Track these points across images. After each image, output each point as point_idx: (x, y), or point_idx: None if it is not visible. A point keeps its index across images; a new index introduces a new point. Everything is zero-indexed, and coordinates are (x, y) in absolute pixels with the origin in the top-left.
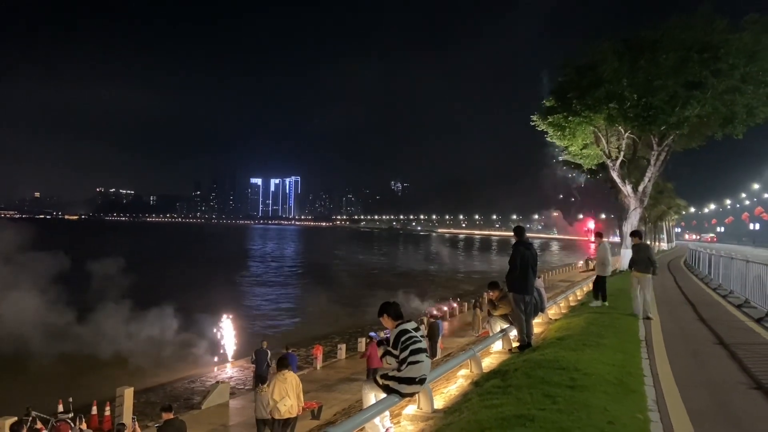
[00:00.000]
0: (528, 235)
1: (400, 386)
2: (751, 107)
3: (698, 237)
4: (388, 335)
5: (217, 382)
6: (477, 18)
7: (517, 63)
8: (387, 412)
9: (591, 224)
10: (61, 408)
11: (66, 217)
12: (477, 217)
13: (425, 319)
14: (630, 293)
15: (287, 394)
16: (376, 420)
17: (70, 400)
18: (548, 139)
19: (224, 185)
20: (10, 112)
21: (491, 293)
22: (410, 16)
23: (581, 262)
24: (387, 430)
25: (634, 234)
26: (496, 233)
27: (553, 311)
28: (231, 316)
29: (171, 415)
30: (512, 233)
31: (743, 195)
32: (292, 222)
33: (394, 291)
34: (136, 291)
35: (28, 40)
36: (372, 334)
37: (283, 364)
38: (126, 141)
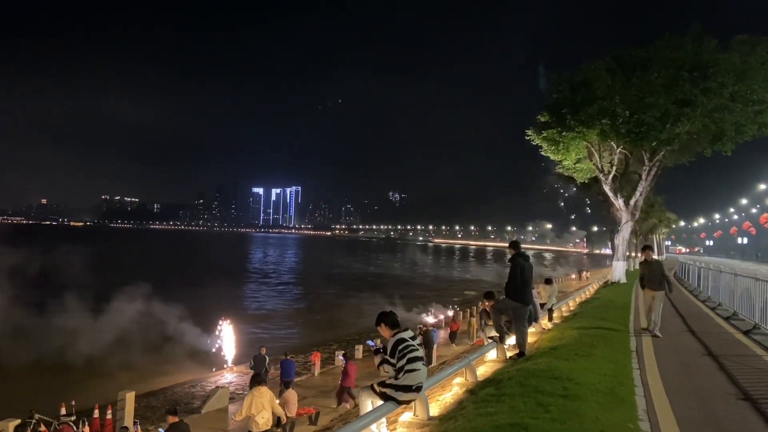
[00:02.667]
0: (522, 246)
1: (397, 394)
2: (739, 125)
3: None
4: (373, 345)
5: (217, 387)
6: (473, 33)
7: (512, 77)
8: (384, 419)
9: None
10: (63, 411)
11: (72, 223)
12: (472, 228)
13: (423, 327)
14: (642, 309)
15: (264, 408)
16: (373, 427)
17: (73, 403)
18: (542, 153)
19: (226, 194)
20: (18, 121)
21: (486, 303)
22: (408, 32)
23: (573, 273)
24: None
25: (646, 249)
26: (491, 244)
27: (546, 321)
28: (230, 322)
29: (176, 419)
30: (508, 246)
31: (731, 210)
32: (293, 231)
33: (391, 299)
34: (137, 296)
35: (35, 48)
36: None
37: (257, 380)
38: (131, 150)
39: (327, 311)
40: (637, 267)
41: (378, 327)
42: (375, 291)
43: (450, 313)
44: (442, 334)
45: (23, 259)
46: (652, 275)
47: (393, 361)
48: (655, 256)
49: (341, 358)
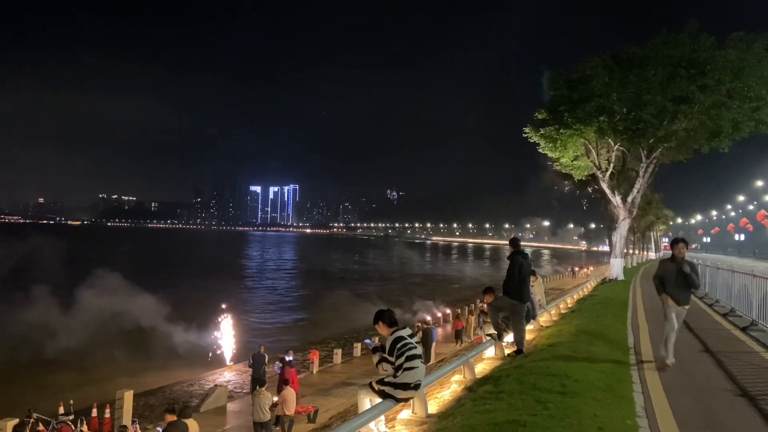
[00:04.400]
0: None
1: (395, 391)
2: (736, 122)
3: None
4: (371, 343)
5: (216, 386)
6: (470, 31)
7: (510, 75)
8: (382, 417)
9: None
10: (62, 410)
11: (69, 222)
12: (470, 225)
13: (423, 325)
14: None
15: None
16: (371, 424)
17: (71, 402)
18: (540, 150)
19: (224, 192)
20: (15, 119)
21: (486, 297)
22: (406, 30)
23: (568, 270)
24: None
25: (679, 242)
26: (489, 242)
27: (544, 319)
28: (229, 321)
29: (174, 417)
30: (508, 243)
31: (729, 206)
32: (291, 229)
33: (387, 297)
34: (136, 294)
35: (31, 46)
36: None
37: (186, 414)
38: (128, 148)
39: (325, 309)
40: (635, 264)
41: (376, 325)
42: (372, 289)
43: (448, 310)
44: (441, 332)
45: (21, 259)
46: (678, 280)
47: (391, 359)
48: (652, 255)
49: (277, 363)
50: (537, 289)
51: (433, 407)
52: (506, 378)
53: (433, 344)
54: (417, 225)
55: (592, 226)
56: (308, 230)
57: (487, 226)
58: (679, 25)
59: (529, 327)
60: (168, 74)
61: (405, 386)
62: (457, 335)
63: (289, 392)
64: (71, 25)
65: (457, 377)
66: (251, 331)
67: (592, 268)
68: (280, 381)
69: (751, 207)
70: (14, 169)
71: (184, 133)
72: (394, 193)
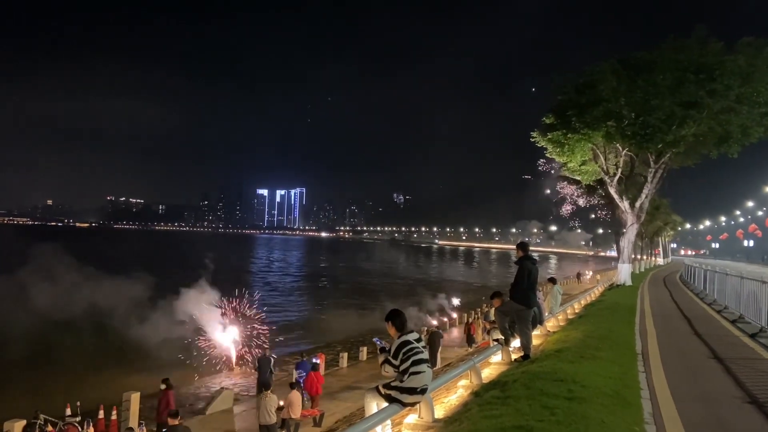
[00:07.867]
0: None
1: (402, 396)
2: (745, 127)
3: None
4: (379, 342)
5: (222, 389)
6: (478, 32)
7: (518, 78)
8: (389, 421)
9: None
10: (68, 411)
11: (77, 224)
12: (477, 230)
13: (432, 328)
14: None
15: None
16: (378, 429)
17: (78, 403)
18: (547, 154)
19: (231, 195)
20: (23, 121)
21: (494, 301)
22: (413, 33)
23: (574, 274)
24: None
25: None
26: (496, 246)
27: (551, 324)
28: (235, 324)
29: (176, 421)
30: (516, 248)
31: (737, 212)
32: (297, 232)
33: (395, 301)
34: (139, 295)
35: (38, 49)
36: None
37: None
38: (136, 151)
39: (330, 312)
40: (643, 269)
41: (386, 323)
42: (377, 292)
43: (454, 315)
44: (445, 336)
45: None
46: None
47: (395, 362)
48: (660, 260)
49: (162, 386)
50: (548, 297)
51: (440, 412)
52: (513, 383)
53: (440, 348)
54: (423, 229)
55: (600, 231)
56: (309, 233)
57: (494, 230)
58: (688, 30)
59: (536, 332)
60: (176, 78)
61: (411, 390)
62: (470, 340)
63: (295, 395)
64: (80, 28)
65: (463, 382)
66: (257, 334)
67: (598, 277)
68: (163, 403)
69: (760, 213)
70: (22, 171)
71: (192, 136)
72: (401, 197)
